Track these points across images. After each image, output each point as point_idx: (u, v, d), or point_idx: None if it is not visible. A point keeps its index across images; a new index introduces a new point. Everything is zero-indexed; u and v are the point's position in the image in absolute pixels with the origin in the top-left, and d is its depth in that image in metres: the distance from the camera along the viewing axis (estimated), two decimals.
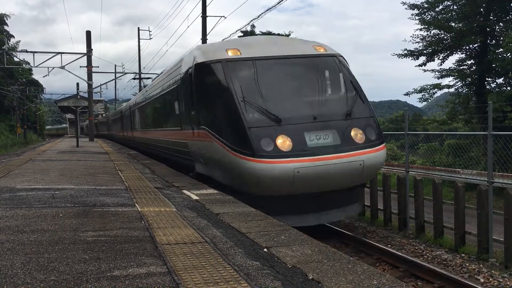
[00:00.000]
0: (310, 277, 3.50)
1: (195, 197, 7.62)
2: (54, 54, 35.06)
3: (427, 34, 23.23)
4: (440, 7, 22.81)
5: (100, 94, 61.42)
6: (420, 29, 23.19)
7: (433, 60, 23.92)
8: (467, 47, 22.55)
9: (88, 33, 36.51)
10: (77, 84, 41.18)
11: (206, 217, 5.92)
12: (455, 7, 22.58)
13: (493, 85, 22.83)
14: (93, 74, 37.11)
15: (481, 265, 8.59)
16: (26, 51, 36.85)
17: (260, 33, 35.70)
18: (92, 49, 36.47)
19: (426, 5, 22.91)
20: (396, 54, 24.64)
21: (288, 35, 33.73)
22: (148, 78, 44.87)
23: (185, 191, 8.36)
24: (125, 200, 7.16)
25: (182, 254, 4.09)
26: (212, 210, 6.44)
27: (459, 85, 23.55)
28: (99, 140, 40.87)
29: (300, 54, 9.80)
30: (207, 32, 23.97)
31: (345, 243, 9.84)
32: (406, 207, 11.25)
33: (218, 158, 9.30)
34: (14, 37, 61.16)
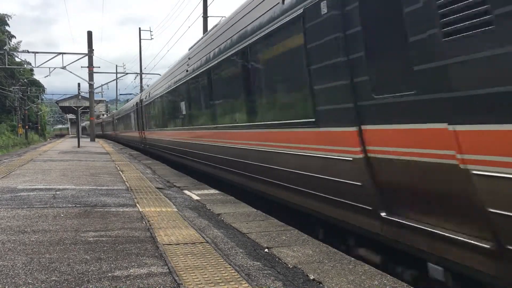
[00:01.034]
0: (311, 278, 3.50)
1: (196, 197, 7.62)
2: (56, 55, 35.15)
3: None
4: None
5: (101, 94, 61.43)
6: None
7: None
8: None
9: (89, 34, 36.58)
10: (78, 84, 41.28)
11: (207, 217, 5.92)
12: None
13: None
14: (94, 74, 37.19)
15: None
16: (28, 52, 36.94)
17: None
18: (93, 50, 36.55)
19: None
20: None
21: None
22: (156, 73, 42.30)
23: (186, 192, 8.37)
24: (126, 200, 7.17)
25: (183, 254, 4.09)
26: (213, 210, 6.44)
27: None
28: (100, 140, 40.88)
29: None
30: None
31: None
32: None
33: None
34: (15, 37, 61.49)
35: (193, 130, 11.03)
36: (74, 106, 37.48)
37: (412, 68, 3.44)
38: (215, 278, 3.45)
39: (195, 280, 3.40)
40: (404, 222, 3.72)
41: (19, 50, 53.16)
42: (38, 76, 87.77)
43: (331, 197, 4.88)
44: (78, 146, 26.64)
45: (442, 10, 3.15)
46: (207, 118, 9.85)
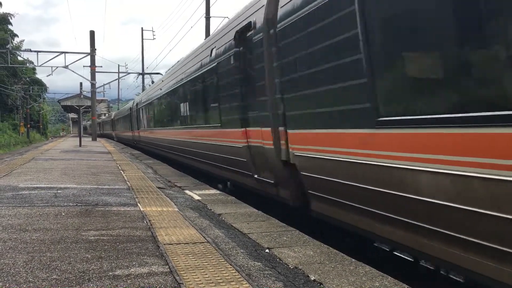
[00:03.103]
0: (312, 278, 3.50)
1: (197, 197, 7.62)
2: (58, 54, 35.25)
3: None
4: None
5: (103, 93, 61.58)
6: None
7: None
8: None
9: (92, 33, 36.65)
10: (81, 83, 41.36)
11: (208, 217, 5.92)
12: None
13: None
14: (96, 73, 37.28)
15: None
16: (30, 51, 37.19)
17: None
18: (95, 49, 36.64)
19: None
20: None
21: None
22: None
23: (187, 191, 8.37)
24: (128, 199, 7.17)
25: (184, 254, 4.09)
26: (214, 210, 6.44)
27: None
28: (102, 140, 40.90)
29: None
30: (211, 33, 23.99)
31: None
32: None
33: None
34: (18, 36, 61.57)
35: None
36: (76, 105, 37.54)
37: None
38: (216, 278, 3.45)
39: (196, 280, 3.40)
40: None
41: (22, 49, 53.25)
42: (40, 75, 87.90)
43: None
44: (80, 145, 26.67)
45: None
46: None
